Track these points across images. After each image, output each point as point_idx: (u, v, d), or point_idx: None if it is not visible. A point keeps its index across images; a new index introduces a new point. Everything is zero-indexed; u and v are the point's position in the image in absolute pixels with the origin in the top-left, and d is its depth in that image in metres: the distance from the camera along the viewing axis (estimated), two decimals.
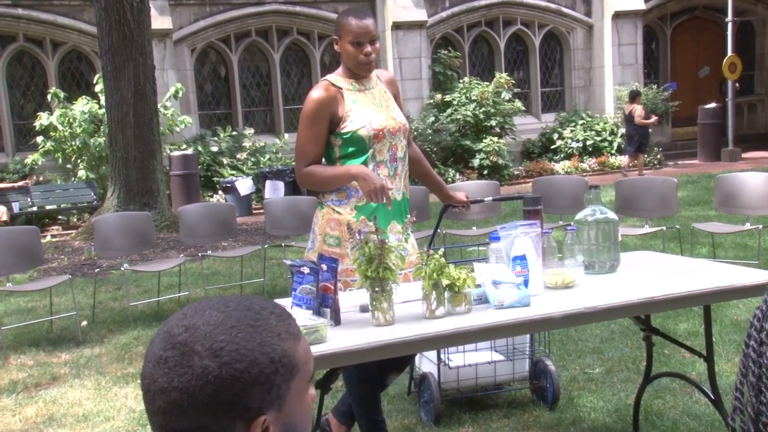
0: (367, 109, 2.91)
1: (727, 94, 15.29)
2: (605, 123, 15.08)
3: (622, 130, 15.01)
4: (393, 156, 2.95)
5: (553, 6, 15.69)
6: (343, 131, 2.88)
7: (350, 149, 2.90)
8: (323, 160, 2.98)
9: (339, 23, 2.90)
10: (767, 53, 17.67)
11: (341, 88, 2.91)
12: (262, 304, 0.99)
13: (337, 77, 2.95)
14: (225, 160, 12.74)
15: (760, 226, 6.00)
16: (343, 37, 2.88)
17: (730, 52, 14.80)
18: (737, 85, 15.38)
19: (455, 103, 13.95)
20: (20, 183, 11.52)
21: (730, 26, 14.83)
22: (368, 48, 2.87)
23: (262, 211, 9.15)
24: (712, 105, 15.06)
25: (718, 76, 16.20)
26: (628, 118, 13.15)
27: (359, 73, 2.94)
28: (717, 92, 16.56)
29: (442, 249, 2.50)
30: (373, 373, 2.89)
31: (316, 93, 2.89)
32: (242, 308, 0.97)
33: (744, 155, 14.89)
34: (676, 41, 17.06)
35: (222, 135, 13.14)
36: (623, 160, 13.75)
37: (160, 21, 12.43)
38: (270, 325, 0.96)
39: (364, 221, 2.82)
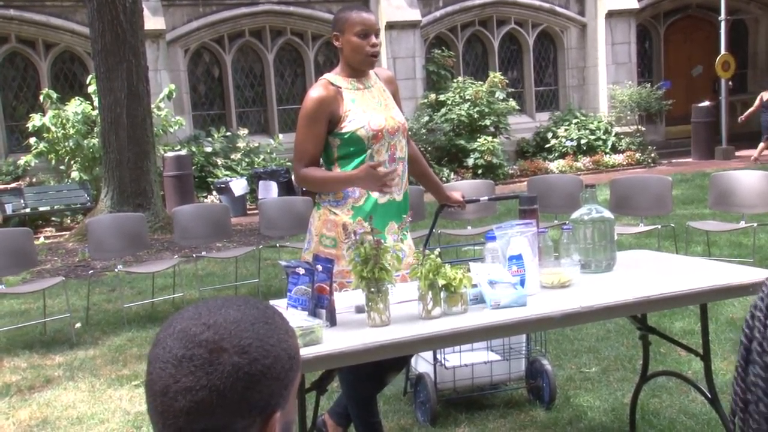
0: (366, 108, 2.89)
1: (720, 93, 15.32)
2: (599, 122, 15.09)
3: (617, 129, 15.04)
4: (392, 156, 2.93)
5: (546, 5, 15.70)
6: (341, 131, 2.86)
7: (349, 149, 2.88)
8: (321, 160, 2.96)
9: (341, 18, 2.87)
10: (760, 52, 17.72)
11: (340, 87, 2.89)
12: (264, 303, 1.01)
13: (335, 76, 2.92)
14: (219, 161, 12.70)
15: (755, 224, 6.01)
16: (347, 31, 2.85)
17: (723, 51, 14.83)
18: (730, 83, 15.41)
19: (449, 102, 13.95)
20: (13, 184, 11.46)
21: (723, 25, 14.85)
22: (374, 39, 2.85)
23: (256, 211, 9.13)
24: (706, 103, 15.08)
25: (711, 75, 16.22)
26: (767, 105, 13.40)
27: (363, 67, 2.91)
28: (710, 91, 16.59)
29: (438, 249, 2.49)
30: (368, 374, 2.88)
31: (316, 92, 2.86)
32: (251, 307, 0.97)
33: (737, 153, 14.91)
34: (670, 40, 17.09)
35: (216, 136, 13.10)
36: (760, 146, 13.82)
37: (153, 21, 12.38)
38: (277, 322, 0.98)
39: (361, 222, 2.80)
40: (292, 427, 1.01)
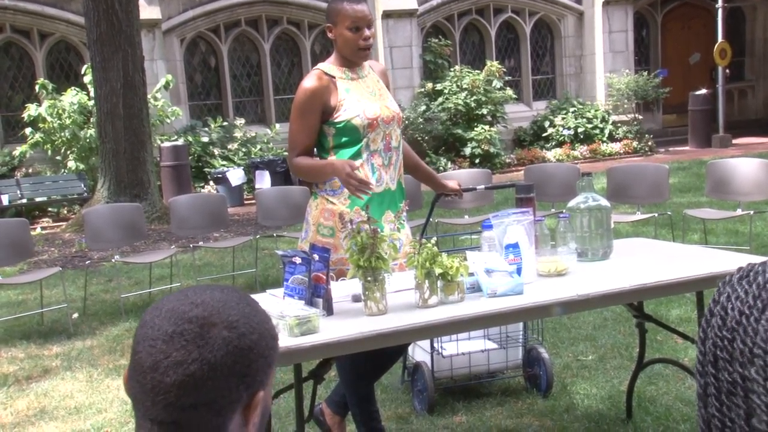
0: (361, 98, 2.88)
1: (717, 81, 15.30)
2: (596, 110, 15.07)
3: (614, 117, 15.03)
4: (387, 145, 2.93)
5: None
6: (336, 120, 2.85)
7: (344, 139, 2.87)
8: (315, 149, 2.96)
9: (333, 9, 2.85)
10: (757, 39, 17.69)
11: (334, 77, 2.88)
12: (244, 292, 1.06)
13: (329, 66, 2.91)
14: (216, 151, 12.67)
15: (752, 212, 6.01)
16: (339, 23, 2.83)
17: (720, 39, 14.80)
18: (728, 71, 15.37)
19: (446, 91, 13.91)
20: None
21: (720, 12, 14.81)
22: (366, 32, 2.84)
23: (253, 201, 9.12)
24: (703, 91, 15.07)
25: (708, 63, 16.20)
26: None
27: (356, 60, 2.90)
28: (707, 79, 16.56)
29: (435, 238, 2.49)
30: (366, 362, 2.88)
31: (308, 82, 2.85)
32: (233, 291, 1.02)
33: (734, 141, 14.91)
34: (667, 28, 17.04)
35: (212, 125, 13.06)
36: None
37: (148, 11, 12.32)
38: (258, 307, 1.03)
39: (358, 211, 2.80)
40: (268, 414, 1.04)
